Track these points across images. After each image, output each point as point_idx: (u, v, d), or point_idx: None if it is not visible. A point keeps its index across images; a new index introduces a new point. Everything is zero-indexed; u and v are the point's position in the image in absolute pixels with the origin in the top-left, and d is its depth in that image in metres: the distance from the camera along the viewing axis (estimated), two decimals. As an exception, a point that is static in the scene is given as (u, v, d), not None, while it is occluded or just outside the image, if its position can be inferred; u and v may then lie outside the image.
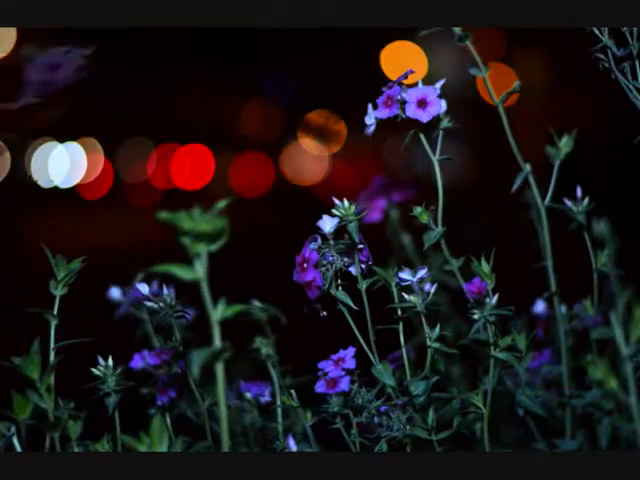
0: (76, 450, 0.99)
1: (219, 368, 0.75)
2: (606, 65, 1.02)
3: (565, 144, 1.08)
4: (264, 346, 1.05)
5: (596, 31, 1.02)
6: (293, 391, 1.01)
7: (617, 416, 1.12)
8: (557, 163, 1.09)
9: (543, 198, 1.09)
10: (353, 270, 0.97)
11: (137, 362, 1.08)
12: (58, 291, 0.99)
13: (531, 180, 1.08)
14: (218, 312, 0.74)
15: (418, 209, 1.02)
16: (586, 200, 1.07)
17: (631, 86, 1.01)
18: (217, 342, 0.74)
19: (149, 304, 1.00)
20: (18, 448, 0.99)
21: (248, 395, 1.11)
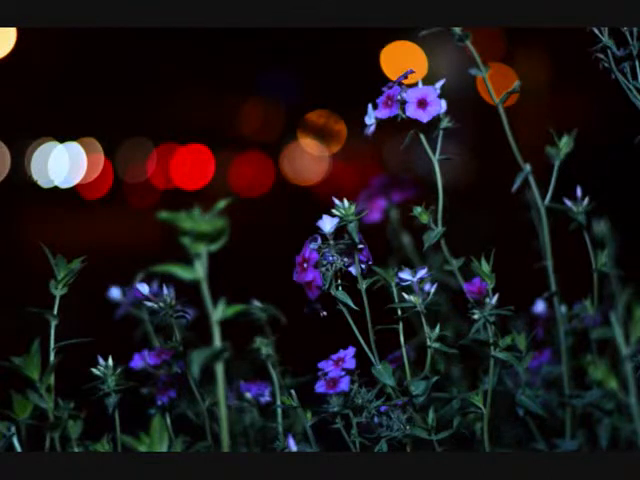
0: (76, 450, 0.99)
1: (219, 368, 0.75)
2: (606, 65, 1.02)
3: (565, 144, 1.08)
4: (264, 346, 1.05)
5: (596, 31, 1.02)
6: (293, 391, 1.01)
7: (617, 416, 1.12)
8: (557, 163, 1.09)
9: (543, 198, 1.09)
10: (353, 270, 0.97)
11: (137, 362, 1.08)
12: (58, 291, 0.99)
13: (531, 180, 1.08)
14: (218, 312, 0.74)
15: (418, 209, 1.02)
16: (586, 200, 1.07)
17: (631, 86, 1.01)
18: (217, 342, 0.74)
19: (149, 304, 1.00)
20: (18, 448, 0.99)
21: (248, 395, 1.11)
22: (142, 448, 0.80)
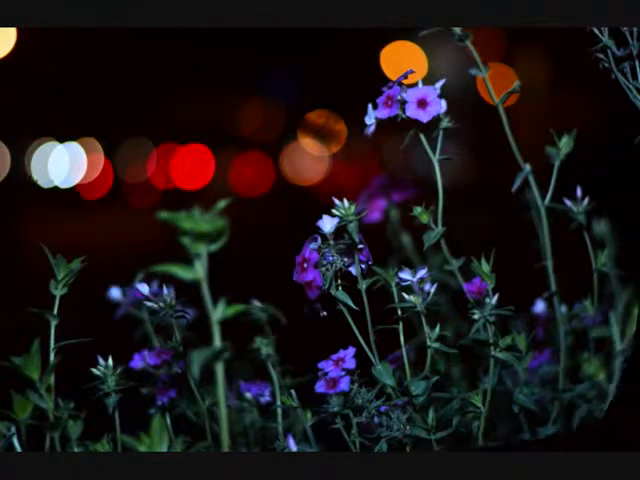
0: (76, 450, 0.99)
1: (219, 368, 0.75)
2: (606, 65, 1.02)
3: (565, 144, 1.08)
4: (264, 346, 1.05)
5: (596, 31, 1.02)
6: (293, 391, 1.01)
7: (596, 402, 1.13)
8: (557, 163, 1.09)
9: (543, 198, 1.09)
10: (353, 270, 0.97)
11: (137, 362, 1.08)
12: (58, 291, 0.99)
13: (531, 180, 1.08)
14: (218, 312, 0.74)
15: (418, 209, 1.02)
16: (586, 200, 1.07)
17: (631, 86, 1.01)
18: (217, 342, 0.74)
19: (149, 304, 1.00)
20: (18, 448, 0.99)
21: (248, 395, 1.11)
22: (142, 448, 0.80)
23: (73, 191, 8.66)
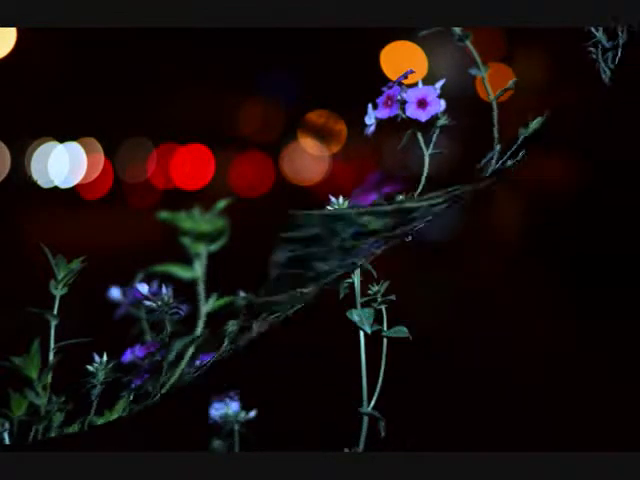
0: (53, 435, 0.99)
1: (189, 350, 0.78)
2: (594, 57, 1.02)
3: (535, 123, 1.08)
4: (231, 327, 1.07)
5: (592, 29, 1.02)
6: None
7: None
8: (521, 138, 1.09)
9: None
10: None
11: (127, 356, 1.10)
12: (58, 291, 0.99)
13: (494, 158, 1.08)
14: (209, 305, 0.75)
15: (400, 197, 1.04)
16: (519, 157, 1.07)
17: (606, 68, 1.01)
18: (199, 330, 0.76)
19: (148, 303, 1.01)
20: (7, 441, 0.99)
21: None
22: (100, 421, 0.82)
23: (73, 191, 8.66)
